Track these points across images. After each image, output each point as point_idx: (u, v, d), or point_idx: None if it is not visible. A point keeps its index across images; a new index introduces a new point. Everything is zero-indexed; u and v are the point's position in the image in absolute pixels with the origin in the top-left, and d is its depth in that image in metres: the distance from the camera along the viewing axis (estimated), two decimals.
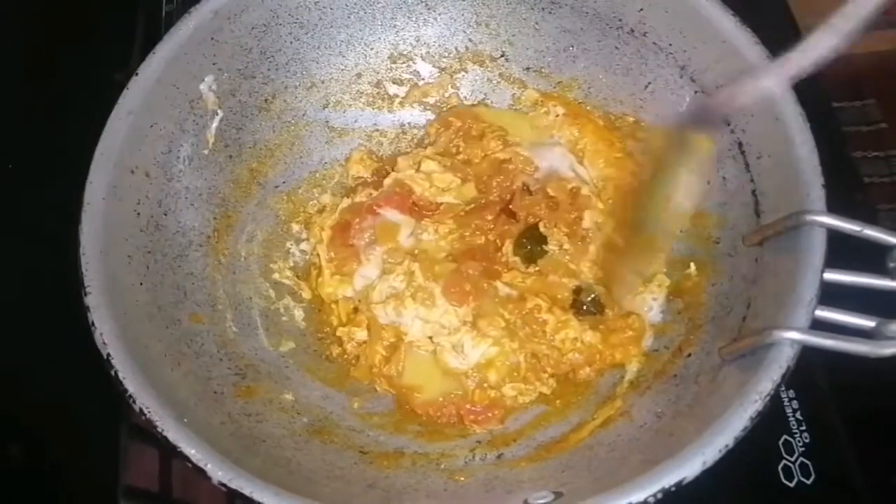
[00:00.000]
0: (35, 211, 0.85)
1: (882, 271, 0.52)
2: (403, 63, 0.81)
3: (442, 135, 0.80)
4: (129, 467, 0.71)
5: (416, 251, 0.72)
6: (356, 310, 0.73)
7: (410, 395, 0.67)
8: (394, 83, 0.82)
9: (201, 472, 0.50)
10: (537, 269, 0.71)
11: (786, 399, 0.71)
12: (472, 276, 0.68)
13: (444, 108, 0.82)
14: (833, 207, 0.55)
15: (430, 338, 0.68)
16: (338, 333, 0.72)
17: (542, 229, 0.72)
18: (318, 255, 0.75)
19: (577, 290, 0.70)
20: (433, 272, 0.69)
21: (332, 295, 0.73)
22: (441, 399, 0.67)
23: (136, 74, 0.65)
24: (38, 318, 0.79)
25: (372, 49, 0.80)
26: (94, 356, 0.54)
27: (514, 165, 0.76)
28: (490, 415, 0.66)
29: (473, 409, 0.66)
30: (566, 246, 0.72)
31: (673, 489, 0.47)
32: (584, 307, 0.70)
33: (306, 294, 0.75)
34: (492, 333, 0.67)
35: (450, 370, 0.67)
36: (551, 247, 0.72)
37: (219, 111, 0.72)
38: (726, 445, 0.48)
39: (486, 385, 0.67)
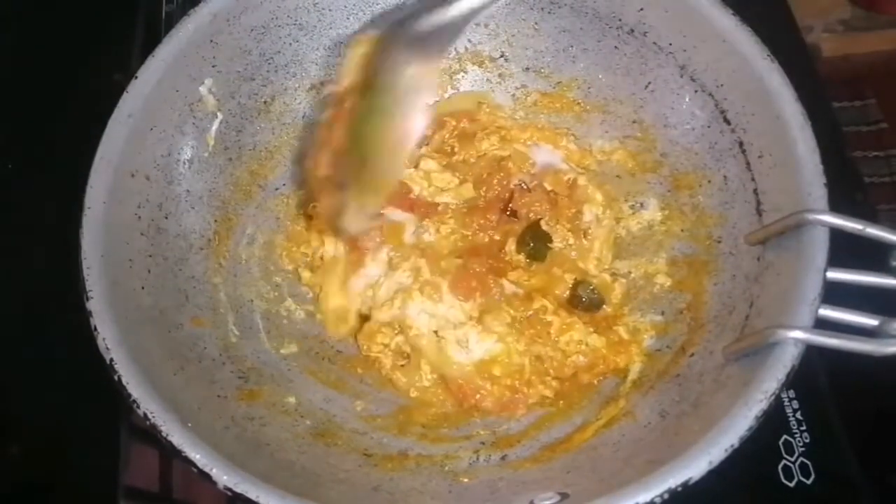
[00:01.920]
0: (35, 212, 0.84)
1: (884, 270, 0.52)
2: None
3: (436, 134, 0.79)
4: (130, 468, 0.71)
5: (424, 247, 0.71)
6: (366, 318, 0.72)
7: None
8: None
9: (206, 477, 0.49)
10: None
11: (786, 399, 0.72)
12: (478, 273, 0.68)
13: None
14: (833, 207, 0.55)
15: (436, 332, 0.68)
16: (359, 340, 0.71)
17: (544, 226, 0.72)
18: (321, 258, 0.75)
19: (576, 285, 0.70)
20: (440, 268, 0.69)
21: (337, 310, 0.73)
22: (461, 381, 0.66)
23: (136, 78, 0.65)
24: (37, 319, 0.79)
25: None
26: (94, 356, 0.54)
27: (513, 163, 0.75)
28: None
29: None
30: (571, 241, 0.72)
31: (679, 489, 0.47)
32: (584, 300, 0.70)
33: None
34: (497, 329, 0.66)
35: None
36: (556, 244, 0.72)
37: (218, 113, 0.72)
38: (732, 445, 0.48)
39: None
